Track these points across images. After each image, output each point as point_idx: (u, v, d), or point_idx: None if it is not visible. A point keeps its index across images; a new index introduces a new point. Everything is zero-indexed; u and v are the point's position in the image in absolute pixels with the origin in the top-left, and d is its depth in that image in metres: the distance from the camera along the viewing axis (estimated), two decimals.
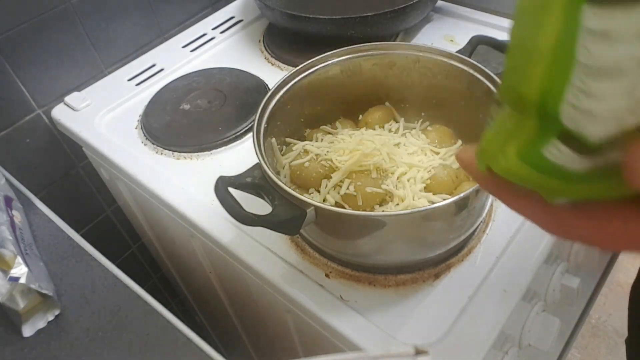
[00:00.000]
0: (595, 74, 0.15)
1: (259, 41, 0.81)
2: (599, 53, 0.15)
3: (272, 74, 0.73)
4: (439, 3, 0.80)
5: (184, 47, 0.81)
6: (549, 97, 0.16)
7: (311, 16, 0.69)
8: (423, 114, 0.56)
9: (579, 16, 0.15)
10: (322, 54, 0.52)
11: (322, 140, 0.53)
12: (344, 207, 0.46)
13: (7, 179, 0.60)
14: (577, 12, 0.15)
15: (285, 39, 0.78)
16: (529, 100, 0.17)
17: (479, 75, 0.48)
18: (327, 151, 0.50)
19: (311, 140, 0.53)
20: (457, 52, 0.51)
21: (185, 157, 0.63)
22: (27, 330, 0.47)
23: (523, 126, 0.18)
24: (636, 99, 0.15)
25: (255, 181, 0.43)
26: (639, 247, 0.19)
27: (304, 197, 0.40)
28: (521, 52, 0.17)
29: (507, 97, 0.19)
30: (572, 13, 0.15)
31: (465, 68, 0.49)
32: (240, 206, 0.40)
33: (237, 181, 0.43)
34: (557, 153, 0.17)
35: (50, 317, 0.48)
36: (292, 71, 0.51)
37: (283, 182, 0.41)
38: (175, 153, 0.63)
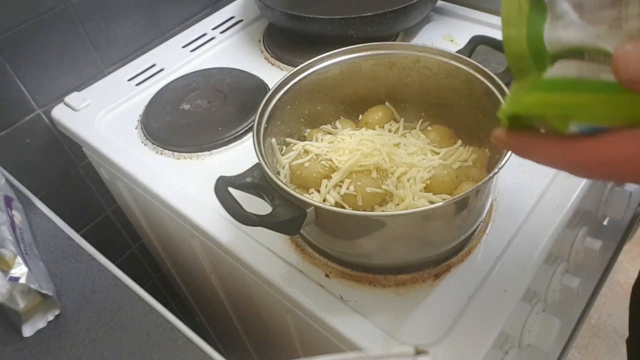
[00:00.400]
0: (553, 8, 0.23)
1: (259, 41, 0.81)
2: None
3: (272, 74, 0.73)
4: (439, 3, 0.80)
5: (184, 47, 0.81)
6: (533, 39, 0.24)
7: (311, 16, 0.69)
8: (423, 114, 0.56)
9: None
10: (322, 54, 0.52)
11: (322, 140, 0.53)
12: (344, 207, 0.46)
13: (7, 179, 0.60)
14: None
15: (285, 39, 0.78)
16: (523, 53, 0.25)
17: (479, 75, 0.48)
18: (327, 151, 0.50)
19: (311, 140, 0.53)
20: (457, 52, 0.51)
21: (185, 157, 0.63)
22: (27, 330, 0.47)
23: (526, 77, 0.25)
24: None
25: (255, 181, 0.43)
26: None
27: (304, 197, 0.40)
28: (509, 23, 0.25)
29: (511, 62, 0.26)
30: None
31: (465, 68, 0.49)
32: (240, 206, 0.40)
33: (237, 181, 0.43)
34: (557, 70, 0.24)
35: (50, 317, 0.48)
36: (292, 71, 0.51)
37: (283, 182, 0.41)
38: (175, 153, 0.63)
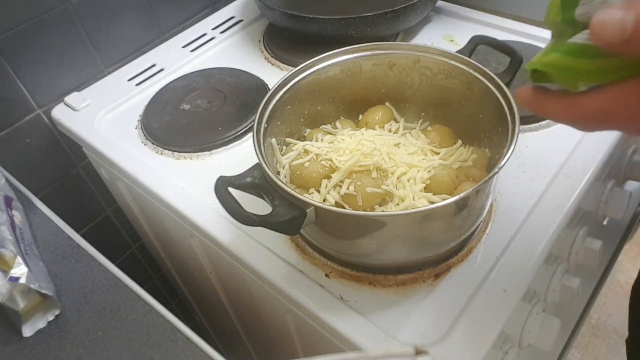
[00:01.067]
0: None
1: (259, 41, 0.81)
2: None
3: (272, 74, 0.73)
4: (439, 3, 0.80)
5: (184, 47, 0.81)
6: (566, 10, 0.27)
7: (311, 16, 0.69)
8: (423, 114, 0.56)
9: None
10: (322, 54, 0.52)
11: (322, 140, 0.53)
12: (344, 207, 0.46)
13: (7, 179, 0.60)
14: None
15: (285, 39, 0.78)
16: (557, 20, 0.28)
17: (479, 75, 0.48)
18: (327, 151, 0.50)
19: (311, 140, 0.53)
20: (457, 52, 0.51)
21: (185, 157, 0.63)
22: (27, 330, 0.47)
23: (561, 39, 0.28)
24: None
25: (255, 181, 0.43)
26: None
27: (304, 197, 0.40)
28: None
29: (550, 25, 0.29)
30: None
31: (465, 68, 0.49)
32: (240, 206, 0.40)
33: (237, 181, 0.43)
34: (585, 36, 0.26)
35: (50, 317, 0.48)
36: (292, 71, 0.51)
37: (283, 182, 0.41)
38: (175, 153, 0.63)
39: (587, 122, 0.27)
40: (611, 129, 0.27)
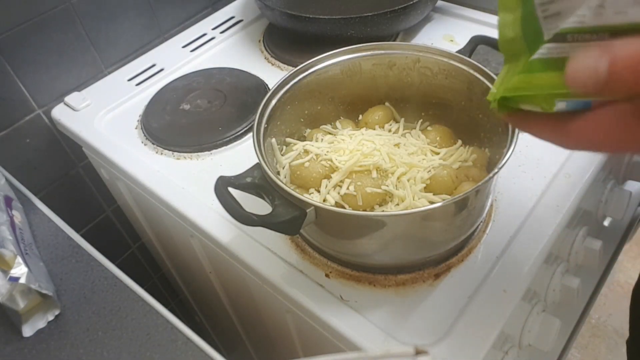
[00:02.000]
0: None
1: (259, 41, 0.81)
2: None
3: (272, 74, 0.73)
4: (439, 3, 0.80)
5: (184, 47, 0.81)
6: (527, 23, 0.25)
7: (311, 16, 0.69)
8: (423, 114, 0.56)
9: None
10: (322, 54, 0.52)
11: (322, 140, 0.53)
12: (344, 207, 0.46)
13: (7, 179, 0.60)
14: None
15: (285, 39, 0.78)
16: (516, 37, 0.26)
17: (479, 75, 0.48)
18: (327, 151, 0.50)
19: (311, 140, 0.53)
20: (457, 52, 0.51)
21: (185, 157, 0.63)
22: (27, 330, 0.47)
23: (517, 61, 0.26)
24: None
25: (255, 181, 0.43)
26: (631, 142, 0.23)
27: (304, 197, 0.40)
28: (505, 8, 0.27)
29: (504, 47, 0.27)
30: None
31: (465, 68, 0.49)
32: (240, 206, 0.40)
33: (237, 181, 0.43)
34: (545, 51, 0.24)
35: (50, 317, 0.48)
36: (292, 71, 0.51)
37: (283, 182, 0.41)
38: (175, 153, 0.63)
39: (576, 146, 0.26)
40: (601, 152, 0.27)
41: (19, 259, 0.46)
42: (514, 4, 0.26)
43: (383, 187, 0.46)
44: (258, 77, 0.72)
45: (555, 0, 0.23)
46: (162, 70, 0.77)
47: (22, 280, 0.45)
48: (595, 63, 0.21)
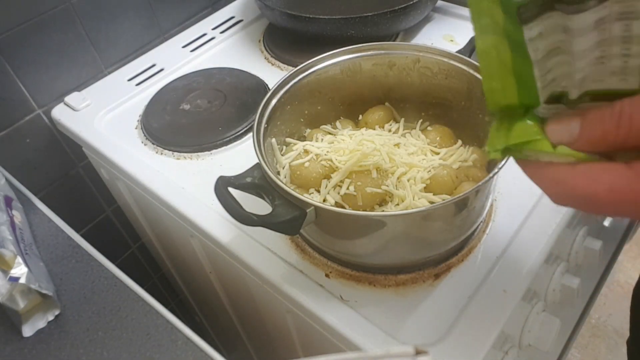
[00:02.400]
0: (545, 57, 0.24)
1: (259, 41, 0.81)
2: (542, 46, 0.24)
3: (272, 74, 0.73)
4: (439, 3, 0.80)
5: (184, 47, 0.81)
6: (525, 91, 0.26)
7: (311, 16, 0.69)
8: (423, 114, 0.56)
9: (520, 36, 0.24)
10: (322, 54, 0.52)
11: (322, 140, 0.53)
12: (344, 207, 0.46)
13: (7, 179, 0.60)
14: (518, 34, 0.24)
15: (285, 39, 0.78)
16: (513, 105, 0.26)
17: (479, 75, 0.48)
18: (327, 151, 0.50)
19: (311, 140, 0.53)
20: (457, 52, 0.51)
21: (185, 157, 0.63)
22: (27, 330, 0.47)
23: (513, 116, 0.27)
24: (568, 62, 0.24)
25: (255, 181, 0.43)
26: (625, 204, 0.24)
27: (304, 197, 0.40)
28: (491, 77, 0.26)
29: (495, 111, 0.28)
30: (514, 37, 0.24)
31: (465, 68, 0.49)
32: (240, 206, 0.40)
33: (237, 181, 0.43)
34: (544, 111, 0.26)
35: (50, 317, 0.48)
36: (292, 71, 0.51)
37: (283, 182, 0.41)
38: (175, 153, 0.63)
39: (578, 205, 0.26)
40: (601, 214, 0.27)
41: (19, 259, 0.46)
42: (501, 72, 0.26)
43: (383, 187, 0.46)
44: (258, 77, 0.72)
45: (551, 70, 0.25)
46: (162, 70, 0.77)
47: (22, 280, 0.45)
48: (567, 126, 0.25)
